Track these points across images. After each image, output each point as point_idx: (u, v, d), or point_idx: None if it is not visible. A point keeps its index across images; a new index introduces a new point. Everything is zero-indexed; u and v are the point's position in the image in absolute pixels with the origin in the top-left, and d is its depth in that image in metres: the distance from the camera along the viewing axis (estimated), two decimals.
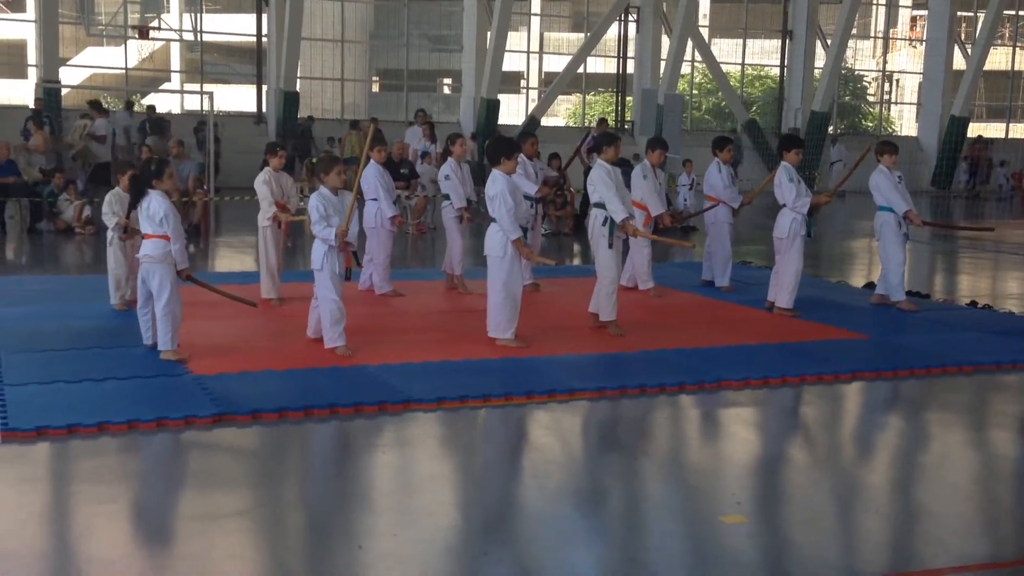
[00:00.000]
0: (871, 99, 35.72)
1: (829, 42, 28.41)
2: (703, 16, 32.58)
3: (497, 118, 24.97)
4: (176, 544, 4.54)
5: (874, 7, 32.91)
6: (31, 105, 19.71)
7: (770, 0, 30.37)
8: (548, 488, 5.24)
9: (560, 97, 29.29)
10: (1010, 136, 32.90)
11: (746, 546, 4.58)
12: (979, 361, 7.90)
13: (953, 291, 12.16)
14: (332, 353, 7.44)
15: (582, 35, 28.67)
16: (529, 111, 26.88)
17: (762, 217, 15.22)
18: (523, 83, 30.69)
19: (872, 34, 34.64)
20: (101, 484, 5.13)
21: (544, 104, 26.35)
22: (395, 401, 6.40)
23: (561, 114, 34.16)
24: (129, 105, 21.41)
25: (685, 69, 28.87)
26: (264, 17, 23.89)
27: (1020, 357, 8.04)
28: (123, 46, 26.77)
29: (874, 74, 34.87)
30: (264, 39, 24.05)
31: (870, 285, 11.00)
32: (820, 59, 28.99)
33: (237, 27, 26.18)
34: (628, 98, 28.16)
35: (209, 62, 27.88)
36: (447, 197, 10.35)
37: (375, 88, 31.18)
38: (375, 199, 9.82)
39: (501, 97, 25.46)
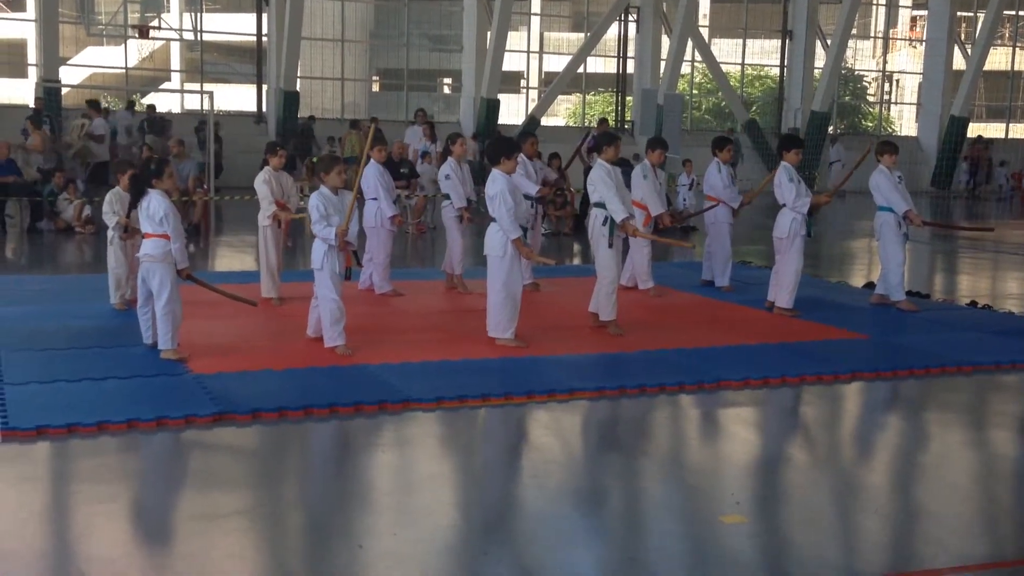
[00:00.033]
0: (871, 99, 35.72)
1: (829, 42, 28.41)
2: (703, 16, 32.58)
3: (497, 118, 24.97)
4: (176, 543, 4.55)
5: (874, 7, 32.92)
6: (31, 104, 19.72)
7: (770, 0, 30.37)
8: (548, 488, 5.24)
9: (560, 97, 29.30)
10: (1010, 136, 32.91)
11: (746, 546, 4.59)
12: (979, 361, 7.90)
13: (953, 291, 12.16)
14: (332, 352, 7.44)
15: (582, 35, 28.67)
16: (529, 111, 26.88)
17: (762, 217, 15.22)
18: (523, 83, 30.68)
19: (872, 34, 34.64)
20: (101, 483, 5.13)
21: (544, 104, 26.35)
22: (395, 400, 6.40)
23: (561, 114, 34.16)
24: (131, 104, 21.43)
25: (685, 69, 28.88)
26: (264, 16, 23.89)
27: (1020, 357, 8.05)
28: (123, 45, 26.77)
29: (874, 74, 34.86)
30: (264, 38, 24.05)
31: (870, 285, 11.00)
32: (820, 59, 28.99)
33: (237, 26, 26.19)
34: (628, 98, 28.16)
35: (209, 61, 27.89)
36: (447, 197, 10.35)
37: (375, 88, 31.18)
38: (375, 199, 9.83)
39: (501, 97, 25.46)
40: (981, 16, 30.29)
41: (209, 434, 5.85)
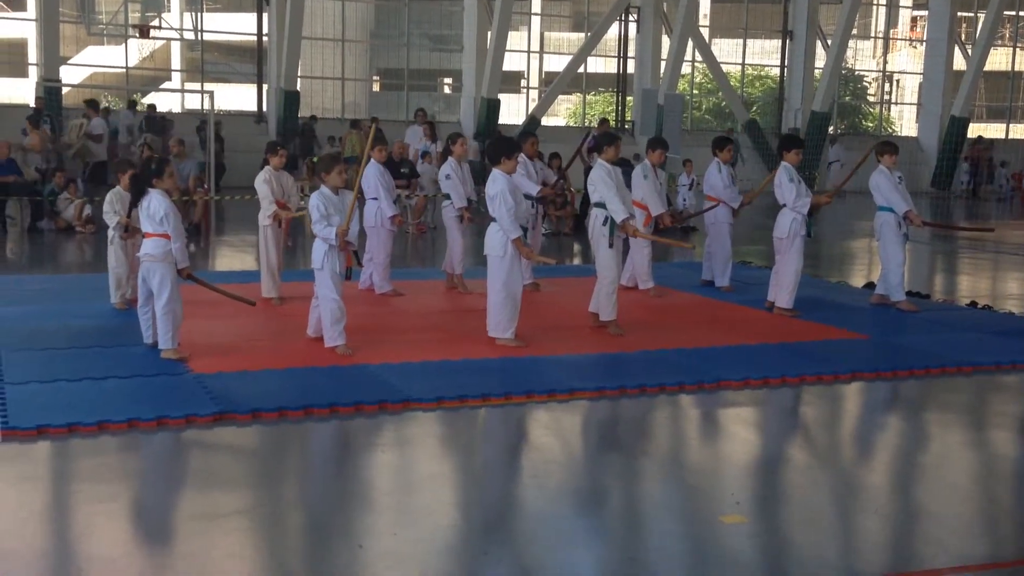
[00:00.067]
0: (871, 99, 35.72)
1: (829, 42, 28.41)
2: (703, 16, 32.56)
3: (497, 118, 24.98)
4: (176, 543, 4.55)
5: (874, 7, 32.92)
6: (32, 104, 19.72)
7: (770, 0, 30.37)
8: (548, 488, 5.24)
9: (560, 97, 29.29)
10: (1010, 137, 32.91)
11: (746, 546, 4.59)
12: (979, 361, 7.90)
13: (953, 291, 12.16)
14: (332, 352, 7.45)
15: (582, 35, 28.67)
16: (529, 111, 26.89)
17: (762, 217, 15.23)
18: (523, 83, 30.68)
19: (872, 34, 34.63)
20: (101, 483, 5.13)
21: (544, 104, 26.35)
22: (395, 400, 6.40)
23: (561, 114, 34.16)
24: (132, 104, 21.43)
25: (685, 69, 28.88)
26: (265, 16, 23.89)
27: (1020, 358, 8.04)
28: (124, 45, 26.77)
29: (874, 74, 34.85)
30: (265, 38, 24.06)
31: (870, 285, 11.01)
32: (820, 59, 28.99)
33: (238, 26, 26.20)
34: (628, 98, 28.16)
35: (210, 61, 27.89)
36: (447, 197, 10.35)
37: (376, 87, 31.18)
38: (375, 198, 9.83)
39: (501, 97, 25.46)
40: (981, 16, 30.28)
41: (209, 434, 5.85)
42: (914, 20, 37.38)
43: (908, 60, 35.89)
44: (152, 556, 4.40)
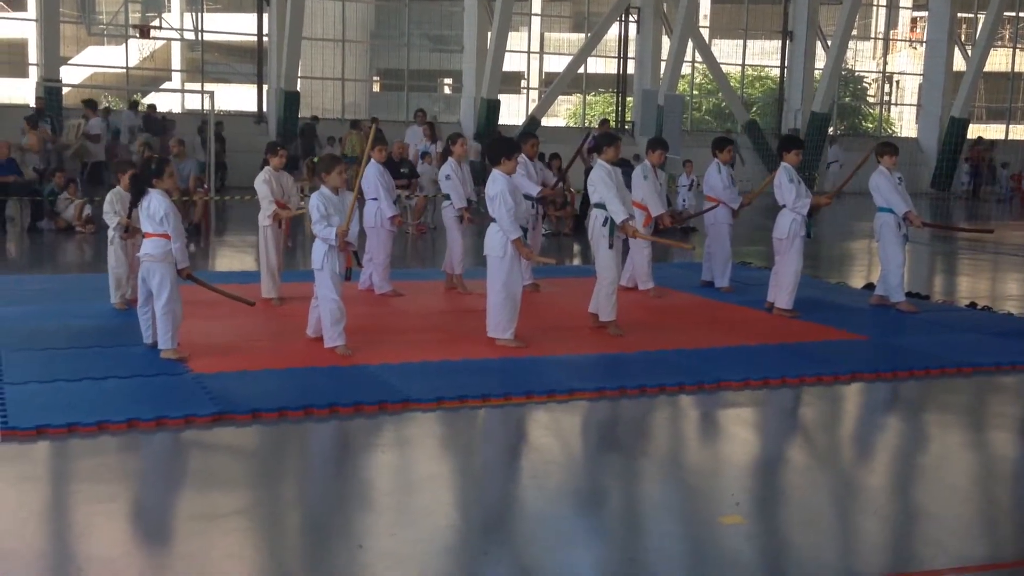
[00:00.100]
0: (871, 100, 35.73)
1: (829, 43, 28.42)
2: (703, 17, 32.56)
3: (497, 118, 24.98)
4: (175, 543, 4.55)
5: (874, 8, 32.92)
6: (32, 104, 19.73)
7: (770, 1, 30.38)
8: (548, 488, 5.24)
9: (560, 97, 29.28)
10: (1010, 138, 32.90)
11: (745, 547, 4.59)
12: (978, 362, 7.90)
13: (952, 292, 12.17)
14: (332, 352, 7.45)
15: (582, 35, 28.68)
16: (529, 111, 26.89)
17: (762, 218, 15.22)
18: (523, 83, 30.69)
19: (872, 35, 34.64)
20: (101, 483, 5.13)
21: (544, 104, 26.35)
22: (395, 400, 6.41)
23: (561, 114, 34.16)
24: (133, 104, 21.43)
25: (685, 70, 28.88)
26: (265, 16, 23.90)
27: (1019, 358, 8.05)
28: (124, 45, 26.78)
29: (874, 75, 34.86)
30: (265, 38, 24.06)
31: (869, 286, 11.01)
32: (820, 60, 29.00)
33: (238, 26, 26.19)
34: (628, 98, 28.16)
35: (210, 61, 27.89)
36: (447, 197, 10.35)
37: (376, 88, 31.18)
38: (375, 199, 9.83)
39: (501, 97, 25.47)
40: (981, 17, 30.28)
41: (209, 434, 5.85)
42: (914, 21, 37.39)
43: (908, 61, 35.89)
44: (151, 556, 4.40)
